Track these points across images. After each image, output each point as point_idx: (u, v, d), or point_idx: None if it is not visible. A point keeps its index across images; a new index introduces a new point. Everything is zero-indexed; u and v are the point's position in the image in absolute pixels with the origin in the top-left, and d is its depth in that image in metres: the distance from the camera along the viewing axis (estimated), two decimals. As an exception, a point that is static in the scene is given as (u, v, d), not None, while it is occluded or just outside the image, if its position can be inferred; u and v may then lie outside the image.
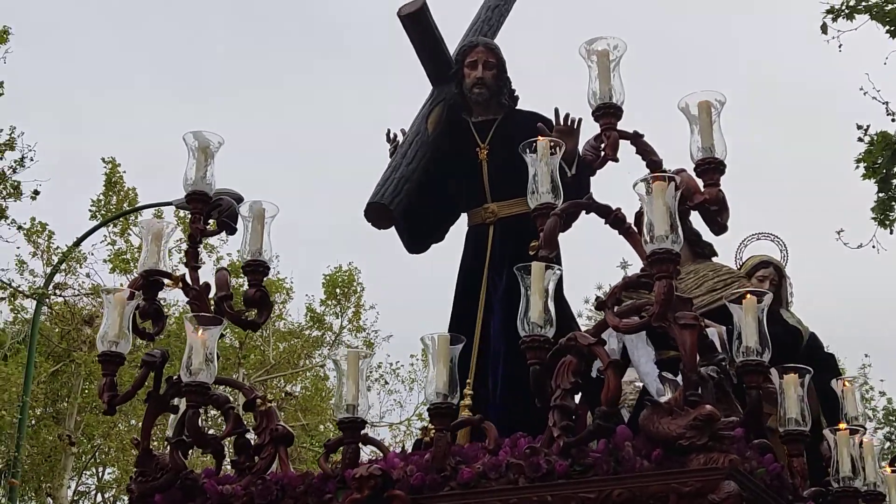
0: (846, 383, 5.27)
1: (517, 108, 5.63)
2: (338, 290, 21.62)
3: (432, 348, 3.95)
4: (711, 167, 3.84)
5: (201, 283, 4.79)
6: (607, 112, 3.99)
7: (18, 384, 13.83)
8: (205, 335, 4.30)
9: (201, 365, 4.25)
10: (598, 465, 3.53)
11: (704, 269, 5.17)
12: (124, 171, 19.19)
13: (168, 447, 4.47)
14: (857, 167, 10.20)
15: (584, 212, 4.16)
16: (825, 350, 7.13)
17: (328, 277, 21.75)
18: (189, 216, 4.94)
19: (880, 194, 10.12)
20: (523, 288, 3.78)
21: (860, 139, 10.22)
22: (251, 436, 4.56)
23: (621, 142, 4.13)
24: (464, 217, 5.61)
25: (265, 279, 4.82)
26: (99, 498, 20.18)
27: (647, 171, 4.02)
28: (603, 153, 3.99)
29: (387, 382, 21.77)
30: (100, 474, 20.43)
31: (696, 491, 3.34)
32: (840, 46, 10.54)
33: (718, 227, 3.97)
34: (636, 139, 4.09)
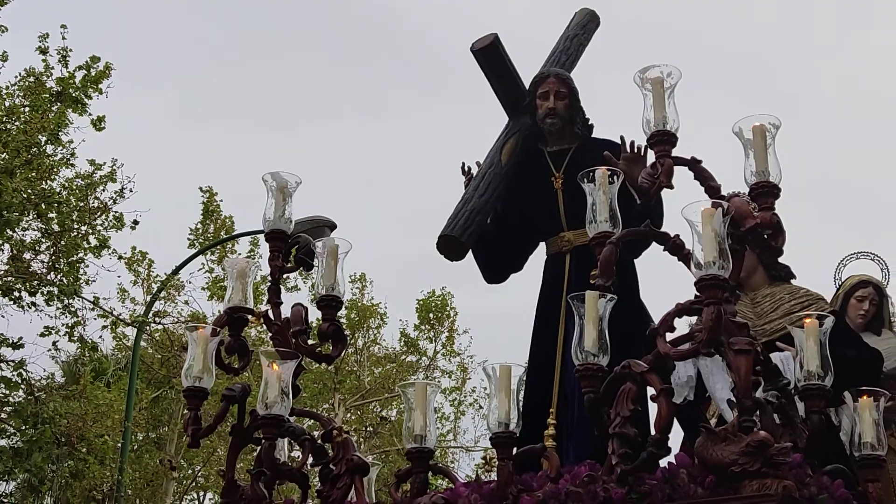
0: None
1: (592, 136, 5.67)
2: (431, 315, 21.77)
3: (494, 378, 4.01)
4: (765, 191, 3.83)
5: (283, 318, 4.98)
6: (661, 139, 4.02)
7: (121, 410, 14.22)
8: (280, 369, 4.44)
9: (276, 398, 4.39)
10: (653, 492, 3.54)
11: (781, 293, 5.10)
12: (221, 200, 19.72)
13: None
14: None
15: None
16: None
17: (421, 302, 21.93)
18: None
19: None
20: (577, 317, 3.82)
21: None
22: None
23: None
24: (543, 246, 5.67)
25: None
26: (199, 522, 20.63)
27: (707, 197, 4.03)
28: (658, 180, 4.01)
29: (481, 407, 21.77)
30: (200, 499, 20.89)
31: (750, 517, 3.32)
32: None
33: (772, 251, 3.95)
34: (694, 165, 4.10)
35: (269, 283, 5.10)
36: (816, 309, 4.88)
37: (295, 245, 5.08)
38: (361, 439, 19.62)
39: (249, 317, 5.01)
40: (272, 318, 4.97)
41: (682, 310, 3.67)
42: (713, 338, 3.50)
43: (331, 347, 4.82)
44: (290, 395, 4.46)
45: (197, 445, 4.84)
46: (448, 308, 21.98)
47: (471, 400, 21.72)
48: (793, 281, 5.22)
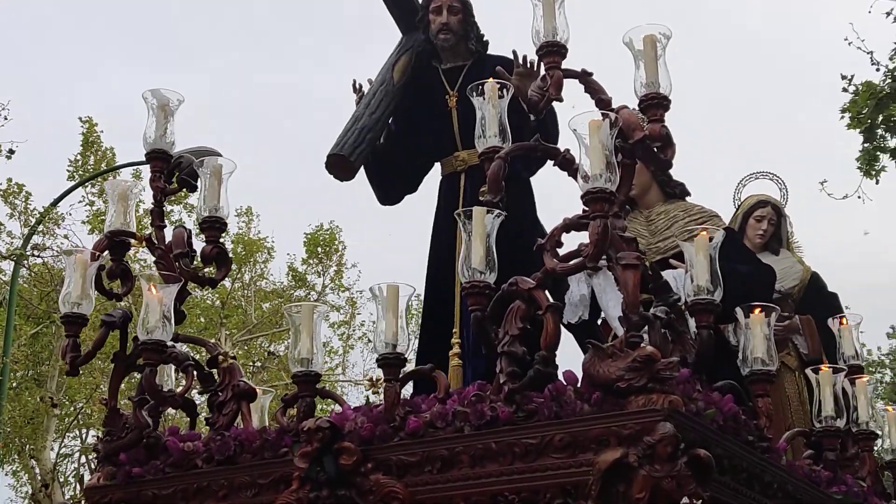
0: (843, 321, 5.17)
1: (488, 53, 5.53)
2: (319, 249, 21.57)
3: (381, 298, 3.90)
4: (655, 102, 3.74)
5: (167, 242, 4.80)
6: (551, 51, 3.89)
7: None
8: (161, 293, 4.27)
9: (157, 323, 4.22)
10: (540, 410, 3.47)
11: (675, 210, 5.06)
12: (102, 131, 19.11)
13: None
14: (842, 117, 10.05)
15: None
16: (828, 289, 7.02)
17: (309, 236, 21.66)
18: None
19: (865, 144, 9.99)
20: (465, 234, 3.72)
21: (845, 89, 10.08)
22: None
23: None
24: (438, 167, 5.55)
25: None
26: (83, 459, 20.07)
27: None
28: (546, 93, 3.90)
29: (370, 341, 21.63)
30: (83, 436, 20.45)
31: (636, 433, 3.26)
32: None
33: (662, 164, 3.87)
34: (584, 77, 3.99)
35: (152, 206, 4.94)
36: (710, 225, 4.84)
37: (177, 166, 4.88)
38: (249, 374, 19.26)
39: (131, 241, 4.82)
40: (155, 241, 4.80)
41: (568, 225, 3.58)
42: (599, 252, 3.42)
43: (214, 271, 4.66)
44: (173, 321, 4.30)
45: (76, 373, 4.67)
46: (336, 242, 21.73)
47: (359, 334, 21.59)
48: (688, 198, 5.18)
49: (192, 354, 4.74)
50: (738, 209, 7.04)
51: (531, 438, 3.45)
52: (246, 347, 20.53)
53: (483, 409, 3.56)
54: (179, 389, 4.53)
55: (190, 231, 4.73)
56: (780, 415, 6.39)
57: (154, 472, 4.26)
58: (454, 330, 4.74)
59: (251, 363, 20.30)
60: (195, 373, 4.59)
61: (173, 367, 4.76)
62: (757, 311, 4.24)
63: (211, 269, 4.66)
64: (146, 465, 4.28)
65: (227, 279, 19.84)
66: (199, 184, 4.72)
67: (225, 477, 4.08)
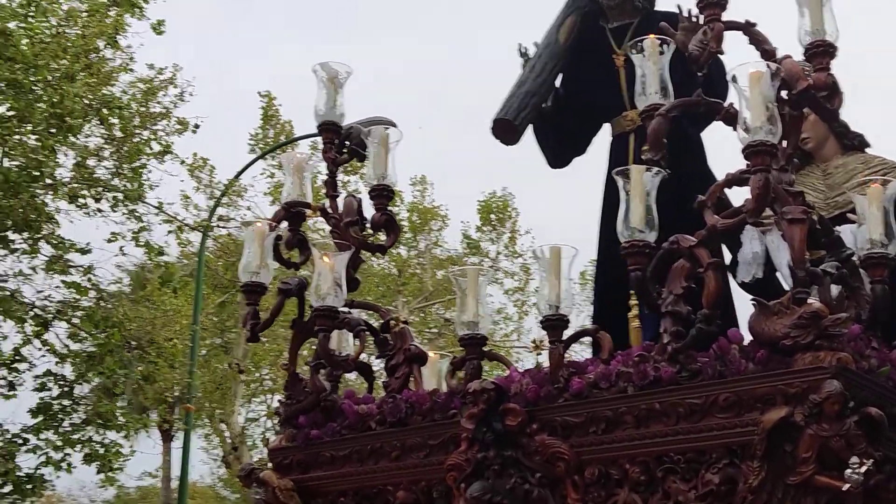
0: None
1: (655, 9, 5.42)
2: (493, 217, 21.59)
3: (543, 260, 3.91)
4: (820, 51, 3.59)
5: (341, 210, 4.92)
6: (710, 3, 3.80)
7: (189, 316, 14.28)
8: (332, 261, 4.40)
9: (330, 290, 4.35)
10: (704, 370, 3.41)
11: (854, 162, 4.82)
12: (280, 105, 19.85)
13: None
14: None
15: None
16: None
17: (482, 204, 21.81)
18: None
19: None
20: (623, 192, 3.67)
21: None
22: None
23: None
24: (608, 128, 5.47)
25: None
26: (269, 424, 20.66)
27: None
28: (707, 46, 3.80)
29: None
30: (269, 401, 21.07)
31: (803, 392, 3.17)
32: None
33: (829, 113, 3.71)
34: (748, 29, 3.87)
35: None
36: (892, 177, 4.62)
37: (347, 136, 4.99)
38: (426, 340, 19.56)
39: (307, 211, 4.96)
40: (329, 211, 4.92)
41: (731, 180, 3.49)
42: (761, 206, 3.32)
43: (384, 237, 4.75)
44: (344, 287, 4.41)
45: (256, 340, 4.85)
46: (509, 209, 21.84)
47: (534, 300, 21.55)
48: (867, 150, 4.95)
49: (366, 320, 4.85)
50: None
51: (695, 398, 3.40)
52: (422, 314, 20.87)
53: (646, 369, 3.53)
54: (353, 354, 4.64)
55: (360, 199, 4.84)
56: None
57: (331, 434, 4.40)
58: (631, 291, 4.68)
59: (427, 329, 20.62)
60: (371, 338, 4.71)
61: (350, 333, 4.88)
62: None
63: (380, 235, 4.76)
64: (324, 428, 4.43)
65: (402, 247, 20.35)
66: (367, 153, 4.82)
67: (397, 438, 4.19)
